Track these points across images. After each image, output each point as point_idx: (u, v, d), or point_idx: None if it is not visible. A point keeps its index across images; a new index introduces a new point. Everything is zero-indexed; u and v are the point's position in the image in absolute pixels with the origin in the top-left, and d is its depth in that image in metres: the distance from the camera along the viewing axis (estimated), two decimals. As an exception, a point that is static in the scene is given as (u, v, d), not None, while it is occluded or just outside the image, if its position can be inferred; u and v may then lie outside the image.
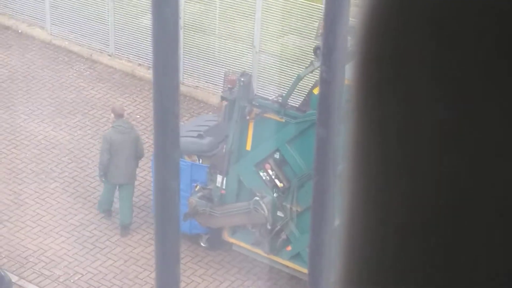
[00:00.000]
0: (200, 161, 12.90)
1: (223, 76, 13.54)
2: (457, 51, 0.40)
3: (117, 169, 12.85)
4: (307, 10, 16.11)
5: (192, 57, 16.45)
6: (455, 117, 0.40)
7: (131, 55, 17.43)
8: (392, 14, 0.42)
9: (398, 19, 0.41)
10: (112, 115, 13.26)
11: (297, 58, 15.37)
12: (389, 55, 0.42)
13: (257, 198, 12.29)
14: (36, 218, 13.60)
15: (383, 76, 0.42)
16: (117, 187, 13.09)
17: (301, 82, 12.24)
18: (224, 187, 12.64)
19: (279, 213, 12.35)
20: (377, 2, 0.42)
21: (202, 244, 13.13)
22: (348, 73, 1.28)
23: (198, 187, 12.74)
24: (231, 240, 13.03)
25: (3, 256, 12.79)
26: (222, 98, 12.61)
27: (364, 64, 0.43)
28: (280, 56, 16.06)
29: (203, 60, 16.59)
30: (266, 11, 16.16)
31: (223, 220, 12.71)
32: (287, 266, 12.62)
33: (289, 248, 12.47)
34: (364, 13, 0.43)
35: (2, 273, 11.64)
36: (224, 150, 12.58)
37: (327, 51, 1.11)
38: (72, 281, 12.57)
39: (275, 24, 16.26)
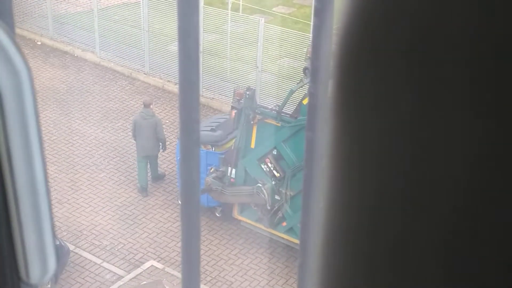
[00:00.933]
0: (213, 149, 12.96)
1: (233, 90, 13.52)
2: (434, 59, 0.37)
3: (140, 145, 13.52)
4: (299, 38, 16.10)
5: (209, 75, 16.46)
6: (423, 118, 0.38)
7: (162, 74, 17.43)
8: (372, 26, 0.39)
9: (377, 32, 0.39)
10: (143, 105, 13.93)
11: (291, 76, 15.35)
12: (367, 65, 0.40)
13: (259, 184, 12.29)
14: (88, 200, 13.60)
15: (361, 84, 0.40)
16: (148, 161, 13.66)
17: (293, 95, 12.23)
18: (233, 176, 12.65)
19: (277, 197, 12.34)
20: (357, 13, 0.40)
21: (217, 214, 13.15)
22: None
23: (212, 169, 12.74)
24: (240, 217, 13.02)
25: (63, 230, 12.80)
26: (232, 108, 12.60)
27: (344, 73, 0.41)
28: (278, 75, 16.05)
29: (217, 77, 16.59)
30: (267, 40, 16.15)
31: (231, 198, 12.71)
32: (283, 238, 12.61)
33: (284, 223, 12.46)
34: (345, 25, 0.41)
35: (62, 243, 11.65)
36: (233, 148, 12.60)
37: (313, 71, 1.11)
38: (116, 249, 12.57)
39: (274, 50, 16.25)
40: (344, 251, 0.43)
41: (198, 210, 1.08)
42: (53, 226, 0.73)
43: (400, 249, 0.40)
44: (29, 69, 0.67)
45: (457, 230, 0.38)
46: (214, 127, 13.06)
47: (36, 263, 0.72)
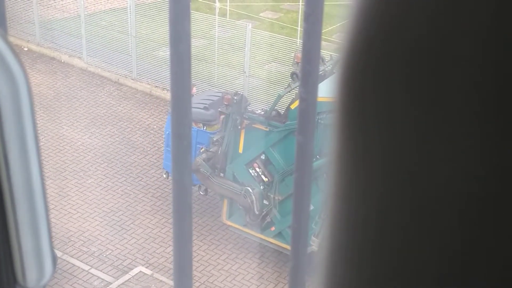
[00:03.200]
0: (205, 128, 12.83)
1: (221, 95, 13.50)
2: (437, 76, 0.37)
3: None
4: (286, 43, 16.13)
5: (197, 80, 16.45)
6: (429, 127, 0.38)
7: (150, 79, 17.41)
8: (377, 40, 0.39)
9: (384, 45, 0.39)
10: None
11: (278, 81, 15.37)
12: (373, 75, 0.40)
13: (248, 188, 12.28)
14: (76, 206, 13.56)
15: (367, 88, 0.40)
16: None
17: (281, 99, 12.24)
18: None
19: (265, 201, 12.34)
20: (365, 26, 0.40)
21: (200, 192, 13.01)
22: (320, 92, 1.28)
23: (203, 149, 12.62)
24: (228, 223, 13.00)
25: (50, 236, 12.75)
26: (220, 113, 12.59)
27: (349, 78, 0.41)
28: (265, 80, 16.06)
29: (205, 82, 16.58)
30: (254, 45, 16.16)
31: (216, 187, 12.59)
32: (271, 243, 12.60)
33: (272, 228, 12.46)
34: (351, 38, 0.40)
35: (50, 250, 11.61)
36: (220, 153, 12.57)
37: (304, 76, 1.12)
38: (104, 255, 12.53)
39: (261, 55, 16.27)
40: (349, 261, 0.43)
41: (190, 215, 1.08)
42: (50, 230, 0.73)
43: (405, 258, 0.40)
44: (26, 74, 0.68)
45: (463, 239, 0.38)
46: (207, 105, 12.90)
47: (33, 267, 0.72)
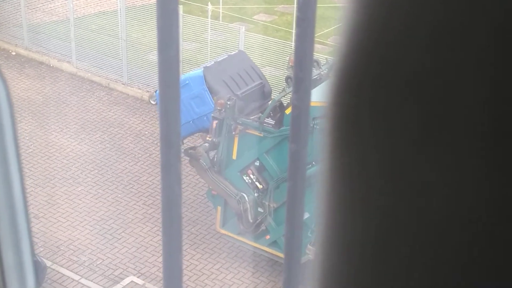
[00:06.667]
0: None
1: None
2: (435, 82, 0.37)
3: None
4: (280, 47, 16.14)
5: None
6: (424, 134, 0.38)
7: (141, 84, 17.41)
8: (372, 44, 0.39)
9: (379, 49, 0.39)
10: None
11: (273, 86, 15.37)
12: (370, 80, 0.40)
13: (244, 195, 12.27)
14: (66, 214, 13.54)
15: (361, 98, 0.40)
16: None
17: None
18: (215, 188, 12.63)
19: (260, 209, 12.34)
20: (360, 32, 0.40)
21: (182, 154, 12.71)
22: (314, 97, 1.28)
23: (209, 137, 12.38)
24: (222, 231, 12.99)
25: (40, 245, 12.72)
26: (213, 118, 12.57)
27: (343, 87, 0.41)
28: (259, 84, 16.06)
29: (198, 87, 16.58)
30: (248, 48, 16.17)
31: (212, 183, 12.47)
32: (266, 251, 12.60)
33: (267, 237, 12.45)
34: (346, 40, 0.40)
35: (39, 259, 11.58)
36: (215, 159, 12.55)
37: (296, 82, 1.12)
38: (95, 265, 12.52)
39: (255, 58, 16.27)
40: (346, 275, 0.43)
41: (180, 224, 1.08)
42: (32, 244, 0.73)
43: (406, 272, 0.40)
44: (5, 81, 0.68)
45: (463, 247, 0.38)
46: (239, 94, 12.45)
47: (15, 281, 0.72)
